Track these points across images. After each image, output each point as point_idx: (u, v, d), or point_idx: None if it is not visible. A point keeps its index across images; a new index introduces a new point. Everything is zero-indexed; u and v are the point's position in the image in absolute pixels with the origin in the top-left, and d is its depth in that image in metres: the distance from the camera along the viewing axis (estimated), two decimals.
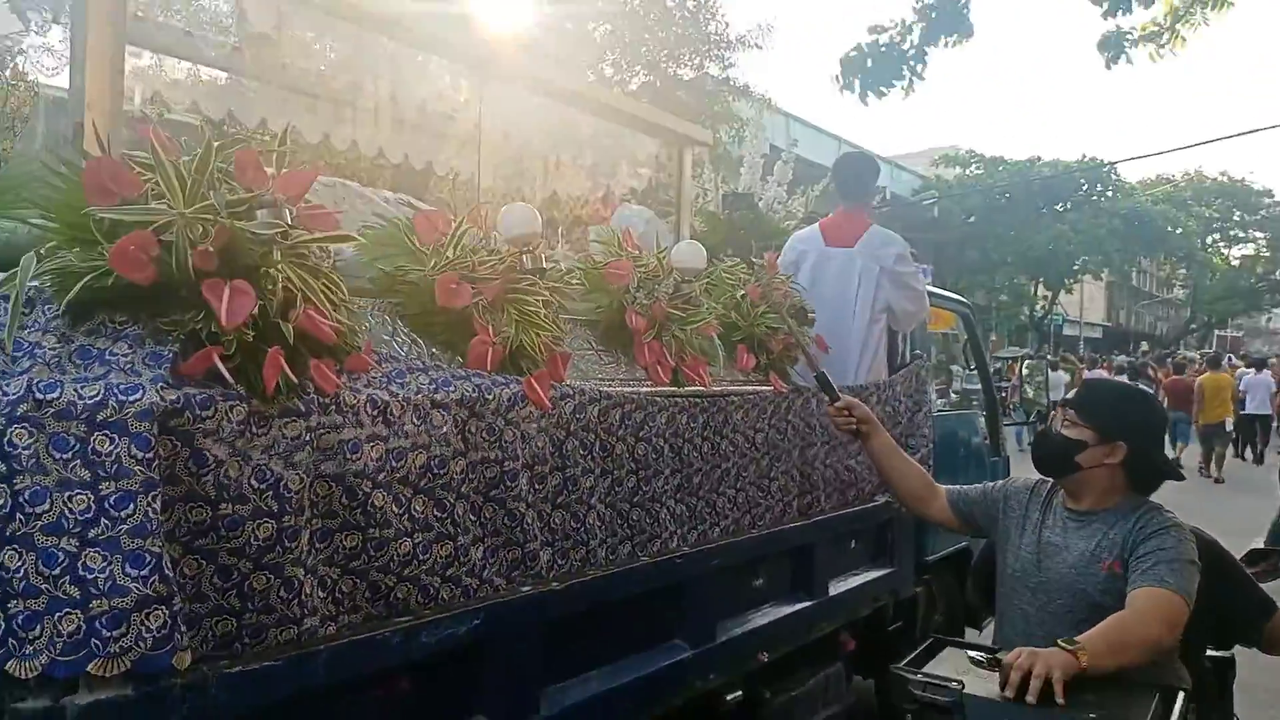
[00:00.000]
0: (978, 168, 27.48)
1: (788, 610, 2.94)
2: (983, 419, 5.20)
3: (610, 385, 2.30)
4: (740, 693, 2.70)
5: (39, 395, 1.25)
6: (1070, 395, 2.30)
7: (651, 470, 2.34)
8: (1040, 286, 30.35)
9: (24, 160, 1.60)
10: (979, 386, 5.55)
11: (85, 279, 1.32)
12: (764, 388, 2.97)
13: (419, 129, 2.74)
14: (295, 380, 1.47)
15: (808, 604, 3.04)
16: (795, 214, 5.20)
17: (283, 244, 1.45)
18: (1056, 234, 26.78)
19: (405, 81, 2.54)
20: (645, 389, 2.40)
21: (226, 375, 1.36)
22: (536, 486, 1.99)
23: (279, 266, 1.44)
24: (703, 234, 4.74)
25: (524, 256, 1.98)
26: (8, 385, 1.25)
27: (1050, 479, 2.41)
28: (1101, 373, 17.63)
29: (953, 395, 6.02)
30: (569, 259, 2.90)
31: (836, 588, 3.22)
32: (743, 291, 3.03)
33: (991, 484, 2.59)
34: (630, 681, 2.20)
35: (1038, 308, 31.10)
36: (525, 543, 1.94)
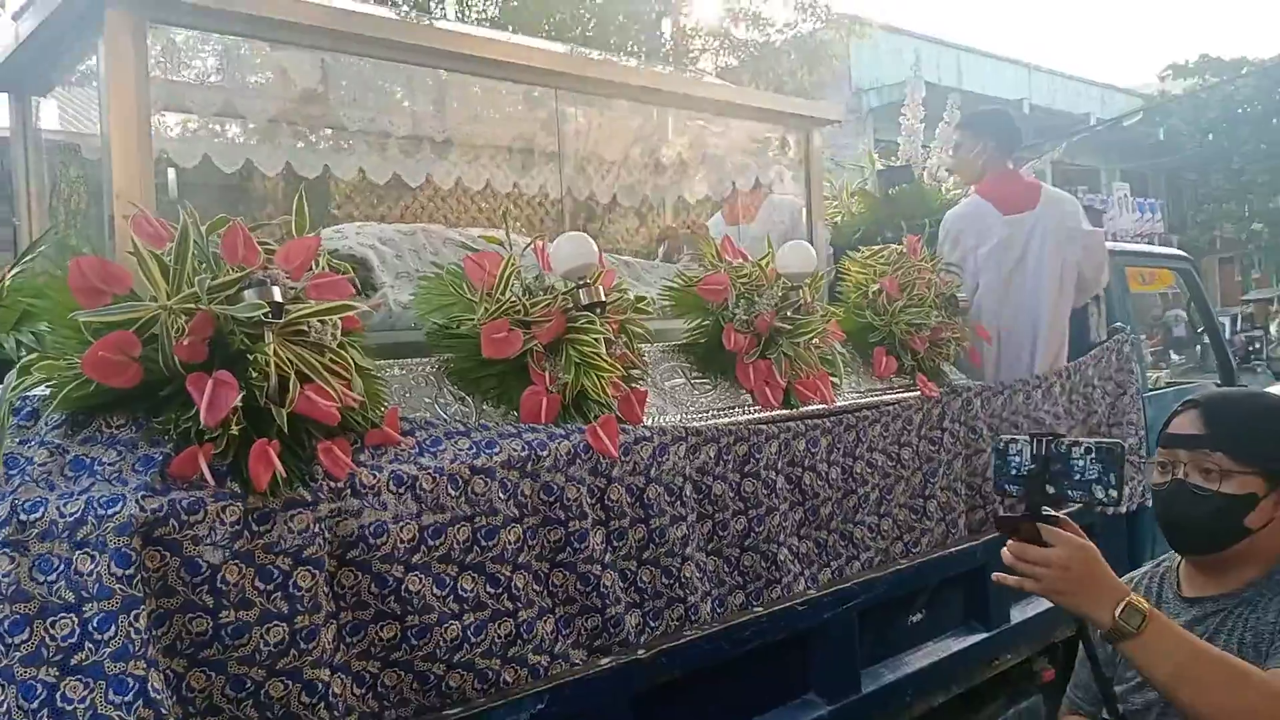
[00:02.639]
0: (1213, 75, 23.55)
1: (958, 645, 2.58)
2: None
3: (704, 418, 2.07)
4: None
5: (22, 516, 1.21)
6: (1182, 431, 1.49)
7: (764, 508, 2.08)
8: None
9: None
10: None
11: (66, 389, 1.28)
12: (908, 394, 2.61)
13: (500, 153, 2.63)
14: (297, 469, 1.37)
15: (984, 635, 2.66)
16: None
17: (274, 324, 1.35)
18: None
19: (478, 107, 2.43)
20: (749, 415, 2.15)
21: (208, 477, 1.27)
22: (615, 544, 1.79)
23: (269, 349, 1.33)
24: (859, 216, 4.35)
25: (580, 291, 1.79)
26: None
27: (1165, 561, 1.64)
28: None
29: (1174, 358, 5.21)
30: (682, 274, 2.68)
31: (1022, 613, 2.80)
32: (876, 286, 2.69)
33: None
34: None
35: None
36: (605, 608, 1.75)
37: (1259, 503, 1.44)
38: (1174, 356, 5.78)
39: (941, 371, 2.80)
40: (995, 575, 1.36)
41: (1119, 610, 1.27)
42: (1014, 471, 1.39)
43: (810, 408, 2.29)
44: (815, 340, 2.34)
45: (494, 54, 2.14)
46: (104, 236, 1.61)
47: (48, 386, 1.33)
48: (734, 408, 2.19)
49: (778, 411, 2.22)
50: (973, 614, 2.68)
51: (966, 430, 2.74)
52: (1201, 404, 1.51)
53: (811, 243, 2.70)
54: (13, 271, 1.71)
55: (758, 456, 2.08)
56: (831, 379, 2.38)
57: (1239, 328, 11.44)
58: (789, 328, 2.25)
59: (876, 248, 2.93)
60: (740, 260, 2.34)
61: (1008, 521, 1.35)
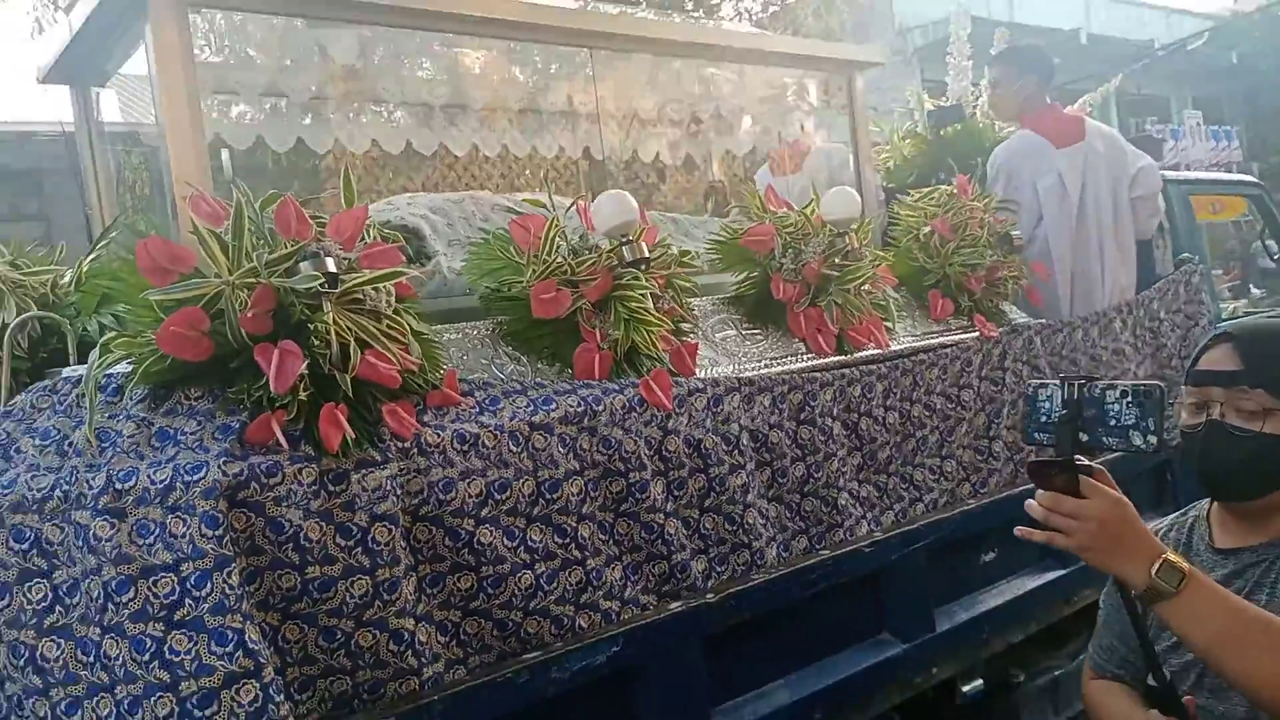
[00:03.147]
0: None
1: (1034, 583, 2.56)
2: None
3: (757, 367, 2.09)
4: (980, 681, 2.39)
5: (117, 485, 1.29)
6: (1215, 367, 1.36)
7: (821, 454, 2.09)
8: None
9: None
10: None
11: (145, 364, 1.35)
12: (966, 335, 2.58)
13: (542, 117, 2.67)
14: (365, 431, 1.43)
15: (1061, 572, 2.63)
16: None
17: (331, 294, 1.40)
18: None
19: (514, 73, 2.47)
20: (802, 364, 2.16)
21: (282, 441, 1.34)
22: (675, 493, 1.83)
23: (328, 318, 1.39)
24: (911, 160, 4.28)
25: (623, 249, 1.81)
26: (92, 478, 1.31)
27: (1194, 510, 1.53)
28: None
29: (1254, 292, 5.04)
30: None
31: None
32: (927, 229, 2.65)
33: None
34: (825, 688, 1.99)
35: None
36: (671, 555, 1.80)
37: None
38: (1254, 290, 5.58)
39: (1001, 311, 2.76)
40: (1019, 530, 1.25)
41: (1155, 568, 1.17)
42: (1044, 419, 1.29)
43: (864, 353, 2.28)
44: (866, 285, 2.33)
45: (529, 18, 2.17)
46: (168, 219, 1.69)
47: (129, 363, 1.41)
48: (787, 356, 2.19)
49: (831, 359, 2.22)
50: (1049, 551, 2.65)
51: (1029, 369, 2.70)
52: (1235, 336, 1.36)
53: (859, 188, 2.68)
54: (89, 258, 1.80)
55: (813, 404, 2.09)
56: (885, 324, 2.37)
57: None
58: (837, 274, 2.24)
59: (926, 190, 2.89)
60: (785, 210, 2.33)
61: (1043, 468, 1.23)
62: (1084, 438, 1.24)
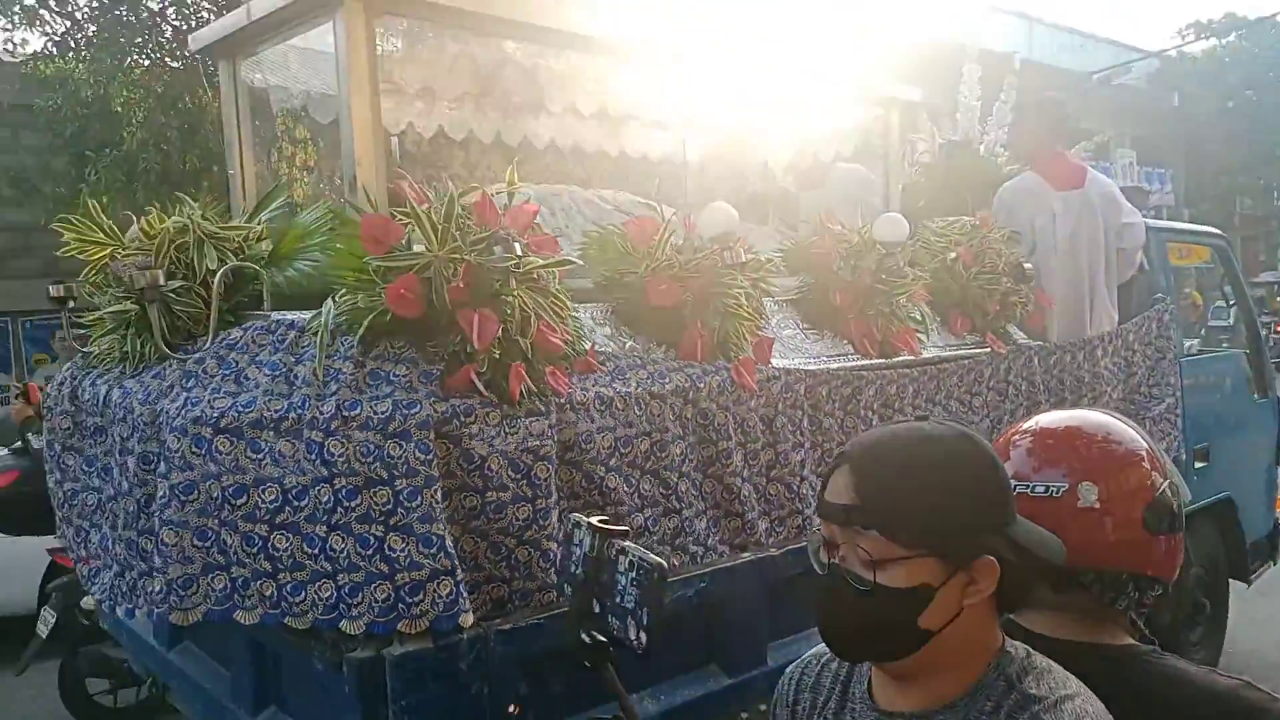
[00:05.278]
0: (1239, 36, 20.83)
1: None
2: (1245, 359, 4.76)
3: (817, 363, 2.43)
4: None
5: (345, 413, 1.59)
6: (834, 499, 1.02)
7: None
8: None
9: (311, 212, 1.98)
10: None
11: (370, 316, 1.64)
12: (980, 350, 2.96)
13: (633, 123, 2.98)
14: (536, 386, 1.74)
15: None
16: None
17: (517, 272, 1.71)
18: None
19: (611, 85, 2.79)
20: (851, 363, 2.51)
21: (481, 388, 1.64)
22: (750, 462, 2.17)
23: (515, 292, 1.69)
24: (919, 186, 4.66)
25: (724, 253, 2.14)
26: (322, 406, 1.60)
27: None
28: None
29: (1201, 332, 5.54)
30: (776, 237, 3.03)
31: None
32: (953, 254, 3.02)
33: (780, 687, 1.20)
34: None
35: None
36: (744, 513, 2.13)
37: (935, 595, 0.98)
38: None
39: (1008, 331, 3.14)
40: None
41: None
42: (574, 568, 0.97)
43: (900, 358, 2.64)
44: (904, 299, 2.68)
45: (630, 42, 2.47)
46: (345, 193, 1.96)
47: (338, 315, 1.70)
48: (838, 355, 2.54)
49: (874, 360, 2.57)
50: None
51: (1028, 384, 3.09)
52: (854, 459, 1.03)
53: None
54: (265, 218, 2.07)
55: (859, 398, 2.44)
56: (918, 334, 2.72)
57: None
58: (884, 288, 2.60)
59: (951, 219, 3.26)
60: (838, 228, 2.68)
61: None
62: (597, 607, 0.95)
